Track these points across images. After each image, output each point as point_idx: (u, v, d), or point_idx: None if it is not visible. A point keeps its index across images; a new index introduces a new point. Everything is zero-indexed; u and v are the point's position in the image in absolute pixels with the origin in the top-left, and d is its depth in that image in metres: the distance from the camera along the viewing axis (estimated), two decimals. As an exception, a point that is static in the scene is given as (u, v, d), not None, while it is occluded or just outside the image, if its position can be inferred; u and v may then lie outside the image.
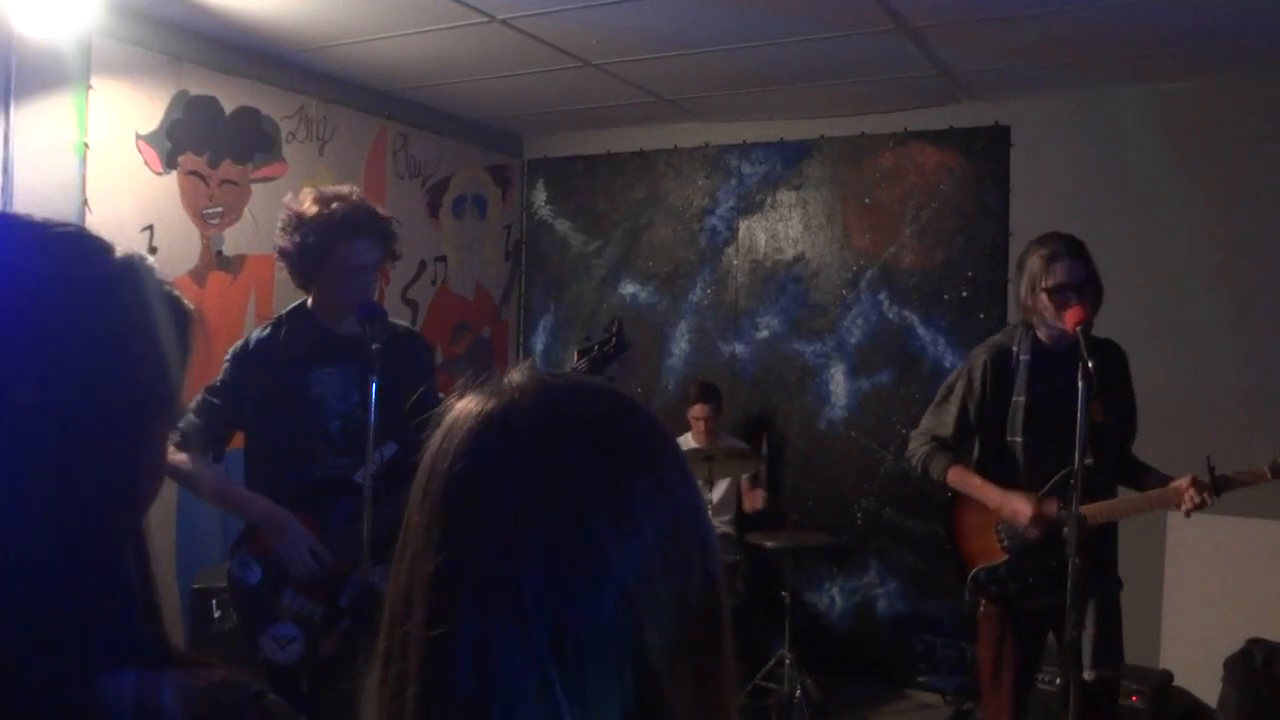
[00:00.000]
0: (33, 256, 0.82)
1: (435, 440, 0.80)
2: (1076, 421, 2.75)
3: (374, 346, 2.58)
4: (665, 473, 0.81)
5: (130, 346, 0.83)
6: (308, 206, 2.79)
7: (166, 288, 0.88)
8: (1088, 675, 2.93)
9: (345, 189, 2.88)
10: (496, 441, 0.78)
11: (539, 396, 0.80)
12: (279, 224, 2.85)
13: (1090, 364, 2.72)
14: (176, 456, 2.81)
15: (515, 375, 0.82)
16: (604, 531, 0.75)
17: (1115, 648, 3.02)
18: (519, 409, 0.79)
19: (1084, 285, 2.90)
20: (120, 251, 0.86)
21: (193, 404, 2.88)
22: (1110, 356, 3.03)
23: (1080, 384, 2.75)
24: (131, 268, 0.86)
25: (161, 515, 3.84)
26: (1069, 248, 2.98)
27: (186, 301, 0.90)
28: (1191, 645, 4.17)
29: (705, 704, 0.78)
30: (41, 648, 0.73)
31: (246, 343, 2.89)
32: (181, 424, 2.84)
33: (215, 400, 2.85)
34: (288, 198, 2.89)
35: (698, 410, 4.87)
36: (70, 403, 0.78)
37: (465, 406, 0.81)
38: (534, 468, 0.76)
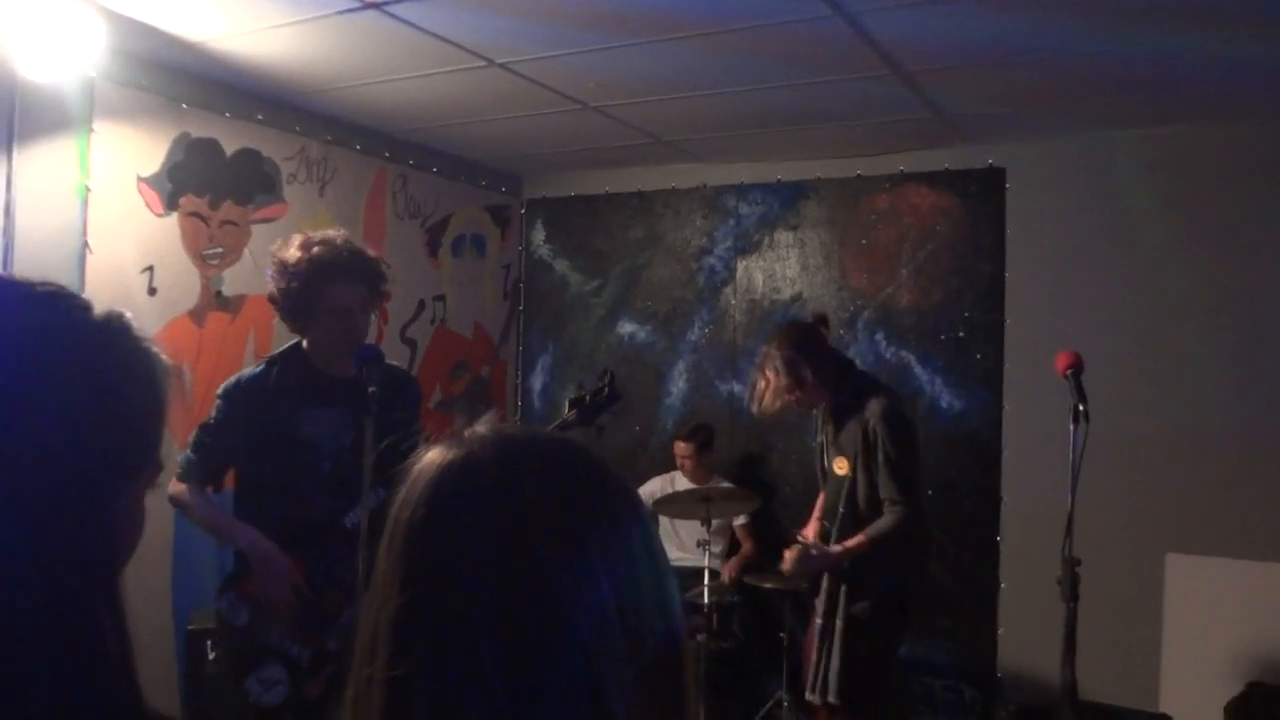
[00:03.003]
0: (11, 317, 0.82)
1: (402, 491, 0.83)
2: (828, 468, 3.56)
3: (370, 390, 2.59)
4: (622, 526, 0.82)
5: (107, 406, 0.83)
6: (291, 252, 2.82)
7: (144, 344, 0.89)
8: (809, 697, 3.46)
9: (331, 232, 2.90)
10: (455, 491, 0.80)
11: (498, 448, 0.83)
12: (268, 272, 2.88)
13: (832, 422, 3.53)
14: (176, 487, 2.86)
15: (478, 427, 0.85)
16: (560, 581, 0.77)
17: (837, 679, 3.38)
18: (478, 460, 0.82)
19: (791, 387, 3.51)
20: (99, 310, 0.86)
21: (189, 440, 2.92)
22: (859, 415, 3.46)
23: (823, 438, 3.61)
24: (109, 327, 0.86)
25: (157, 556, 3.83)
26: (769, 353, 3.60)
27: (165, 358, 0.90)
28: (1191, 689, 4.15)
29: None
30: (12, 712, 0.72)
31: (239, 380, 2.91)
32: (180, 459, 2.88)
33: (207, 438, 2.88)
34: (275, 245, 2.92)
35: (679, 448, 4.91)
36: (46, 462, 0.78)
37: (430, 457, 0.84)
38: (491, 517, 0.78)
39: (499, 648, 0.74)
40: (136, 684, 0.83)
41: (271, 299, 2.88)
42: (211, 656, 3.67)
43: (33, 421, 0.78)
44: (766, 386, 3.52)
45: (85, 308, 0.86)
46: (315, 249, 2.81)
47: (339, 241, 2.86)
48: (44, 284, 0.86)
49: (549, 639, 0.75)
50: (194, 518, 2.94)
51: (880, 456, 3.36)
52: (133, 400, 0.86)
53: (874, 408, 3.41)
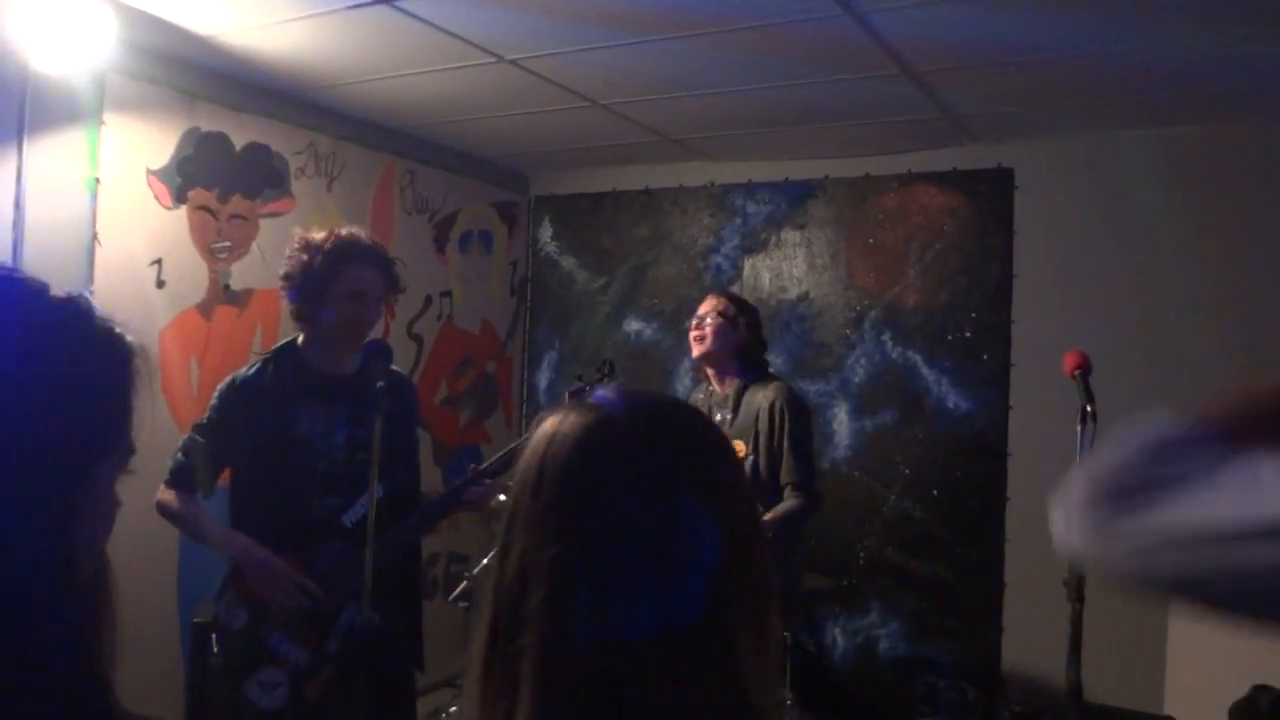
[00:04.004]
0: None
1: (538, 446, 0.95)
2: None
3: (379, 384, 2.58)
4: (735, 469, 0.98)
5: (69, 388, 0.81)
6: (316, 233, 2.91)
7: (106, 324, 0.86)
8: None
9: (355, 228, 3.00)
10: (602, 447, 0.93)
11: (631, 408, 0.97)
12: (287, 252, 2.92)
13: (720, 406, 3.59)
14: (164, 494, 2.85)
15: (605, 392, 0.99)
16: (695, 518, 0.89)
17: None
18: (616, 419, 0.95)
19: (716, 332, 3.66)
20: (57, 292, 0.84)
21: (181, 442, 2.92)
22: (761, 395, 3.56)
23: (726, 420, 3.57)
24: (67, 309, 0.84)
25: (164, 548, 3.84)
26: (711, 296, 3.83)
27: (129, 339, 0.88)
28: (1195, 691, 4.14)
29: (761, 653, 0.91)
30: None
31: (234, 380, 2.92)
32: (170, 462, 2.87)
33: (200, 439, 2.87)
34: (298, 229, 2.99)
35: None
36: (5, 447, 0.76)
37: (565, 418, 0.95)
38: (636, 467, 0.91)
39: (649, 576, 0.86)
40: (102, 675, 0.80)
41: (288, 277, 2.90)
42: (215, 650, 3.67)
43: None
44: (699, 329, 3.67)
45: (43, 289, 0.84)
46: (342, 232, 2.91)
47: (362, 233, 2.96)
48: None
49: (687, 567, 0.87)
50: (183, 527, 2.93)
51: (787, 440, 3.46)
52: (96, 382, 0.83)
53: (780, 389, 3.56)
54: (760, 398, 3.55)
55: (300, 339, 2.96)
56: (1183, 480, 0.86)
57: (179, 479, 2.85)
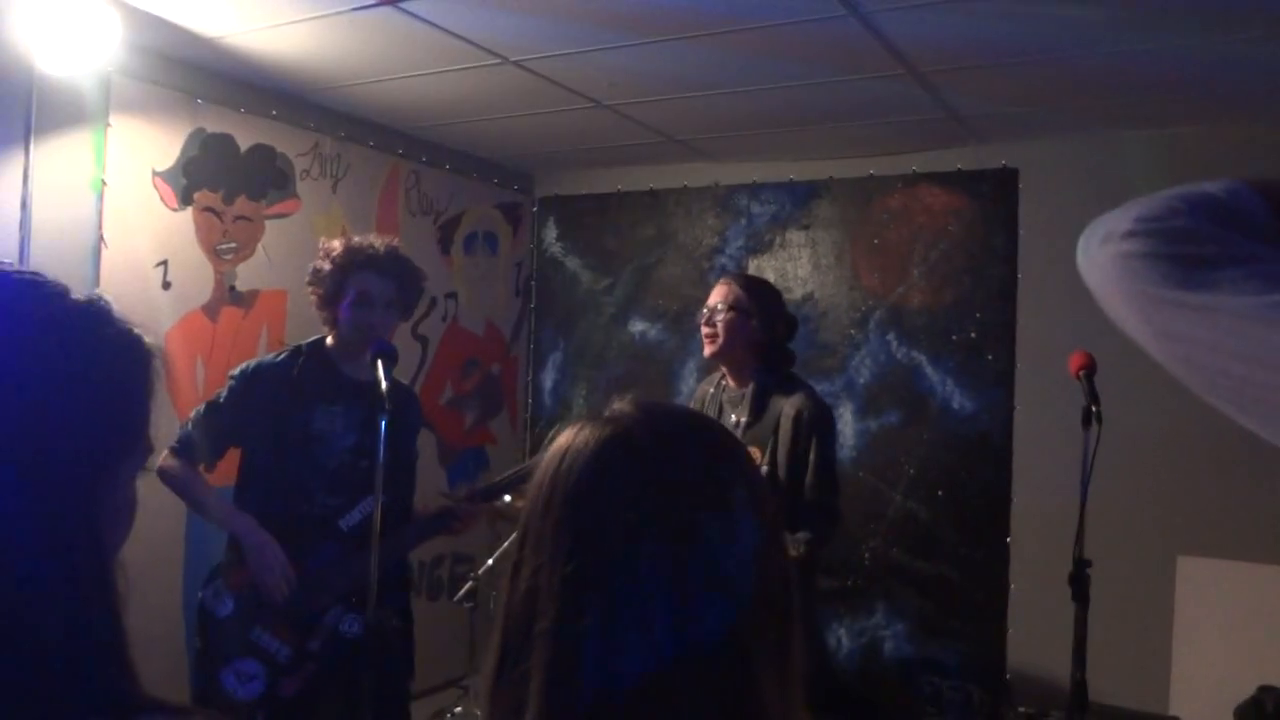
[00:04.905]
0: None
1: (551, 462, 0.91)
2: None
3: (384, 385, 2.61)
4: (756, 486, 0.93)
5: (91, 390, 0.82)
6: (335, 240, 3.03)
7: (127, 327, 0.87)
8: None
9: (373, 236, 3.10)
10: (618, 462, 0.89)
11: (650, 422, 0.92)
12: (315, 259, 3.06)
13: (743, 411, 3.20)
14: (168, 461, 2.88)
15: (623, 405, 0.94)
16: (713, 536, 0.86)
17: None
18: (635, 434, 0.91)
19: (730, 324, 3.25)
20: (78, 295, 0.85)
21: (190, 418, 2.95)
22: (787, 401, 3.17)
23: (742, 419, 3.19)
24: (90, 310, 0.85)
25: (169, 536, 3.85)
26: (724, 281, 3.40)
27: (149, 341, 0.89)
28: (1201, 692, 4.14)
29: (782, 678, 0.88)
30: (5, 699, 0.72)
31: (259, 365, 2.99)
32: (178, 434, 2.92)
33: (214, 418, 2.91)
34: (324, 236, 3.12)
35: None
36: (23, 451, 0.77)
37: (581, 433, 0.92)
38: (652, 484, 0.88)
39: (663, 597, 0.83)
40: (129, 666, 0.82)
41: (310, 283, 3.02)
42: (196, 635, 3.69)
43: (15, 409, 0.77)
44: (710, 319, 3.25)
45: (64, 293, 0.85)
46: (356, 240, 3.01)
47: (378, 242, 3.03)
48: (19, 270, 0.85)
49: (703, 587, 0.84)
50: (184, 494, 2.94)
51: (814, 457, 3.10)
52: (117, 383, 0.85)
53: (807, 399, 3.17)
54: (786, 405, 3.15)
55: (329, 339, 3.02)
56: (1230, 264, 0.83)
57: (185, 448, 2.89)
